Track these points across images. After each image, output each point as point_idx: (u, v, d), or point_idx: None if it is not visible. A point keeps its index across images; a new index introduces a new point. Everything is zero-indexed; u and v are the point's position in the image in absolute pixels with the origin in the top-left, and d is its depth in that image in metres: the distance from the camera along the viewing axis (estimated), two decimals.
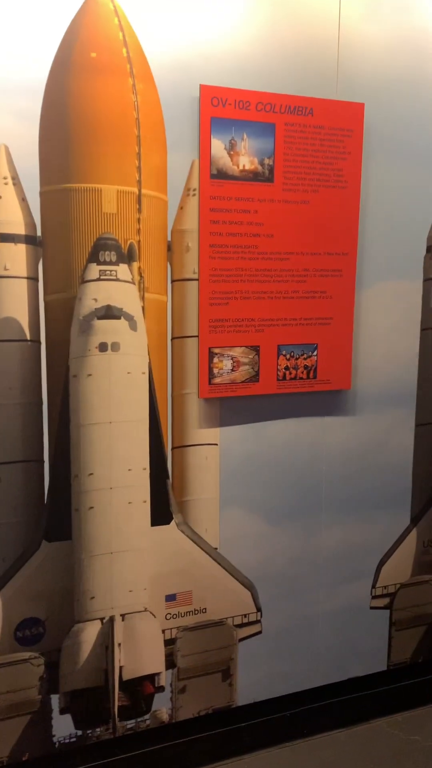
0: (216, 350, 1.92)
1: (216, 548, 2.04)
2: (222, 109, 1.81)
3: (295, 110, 1.89)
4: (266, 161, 1.88)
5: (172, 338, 1.90)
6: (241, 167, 1.86)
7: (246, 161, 1.86)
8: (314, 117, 1.91)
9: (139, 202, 1.78)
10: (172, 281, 1.87)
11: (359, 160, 1.98)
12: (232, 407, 1.99)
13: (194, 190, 1.83)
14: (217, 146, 1.82)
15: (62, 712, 1.93)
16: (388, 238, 2.09)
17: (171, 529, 1.96)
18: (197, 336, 1.90)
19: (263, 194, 1.89)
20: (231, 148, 1.84)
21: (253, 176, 1.87)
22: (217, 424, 1.99)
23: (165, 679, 2.03)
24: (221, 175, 1.84)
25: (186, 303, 1.89)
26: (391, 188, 2.06)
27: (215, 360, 1.93)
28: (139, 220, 1.79)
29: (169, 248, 1.85)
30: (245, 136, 1.85)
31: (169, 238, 1.85)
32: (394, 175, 2.06)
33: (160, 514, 1.94)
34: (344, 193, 1.99)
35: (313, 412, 2.11)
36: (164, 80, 1.76)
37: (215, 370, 1.93)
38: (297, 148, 1.91)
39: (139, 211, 1.79)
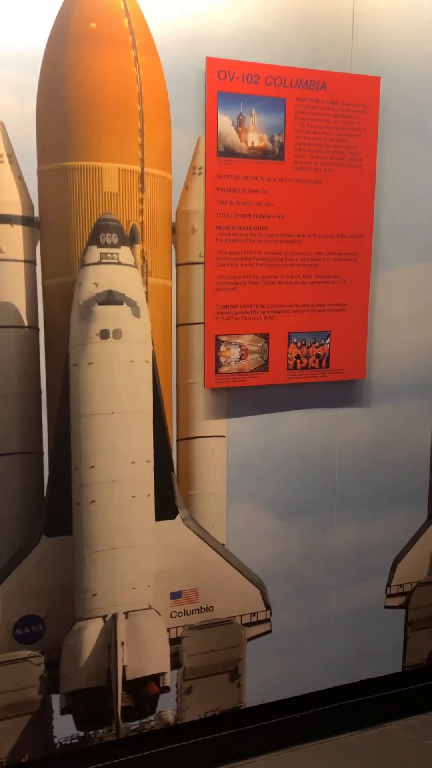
0: (223, 338, 1.84)
1: (223, 544, 1.96)
2: (229, 83, 1.71)
3: (307, 84, 1.78)
4: (276, 138, 1.78)
5: (177, 325, 1.82)
6: (249, 144, 1.76)
7: (255, 138, 1.76)
8: (327, 91, 1.81)
9: (141, 181, 1.70)
10: (177, 265, 1.79)
11: (375, 138, 1.88)
12: (240, 398, 1.91)
13: (200, 168, 1.74)
14: (225, 122, 1.73)
15: (63, 712, 1.86)
16: (406, 220, 1.99)
17: (176, 525, 1.88)
18: (203, 323, 1.81)
19: (273, 173, 1.80)
20: (239, 125, 1.74)
21: (263, 154, 1.78)
22: (225, 415, 1.90)
23: (170, 679, 1.95)
24: (229, 152, 1.74)
25: (191, 288, 1.80)
26: (409, 167, 1.96)
27: (222, 348, 1.84)
28: (141, 200, 1.71)
29: (174, 230, 1.76)
30: (254, 111, 1.75)
31: (173, 220, 1.76)
32: (412, 152, 1.95)
33: (165, 508, 1.86)
34: (359, 172, 1.89)
35: (325, 403, 2.02)
36: (168, 52, 1.67)
37: (222, 359, 1.85)
38: (309, 125, 1.81)
39: (142, 190, 1.70)
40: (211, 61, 1.69)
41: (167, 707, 1.97)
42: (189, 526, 1.90)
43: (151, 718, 1.96)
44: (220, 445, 1.92)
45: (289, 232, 1.85)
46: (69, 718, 1.87)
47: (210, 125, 1.71)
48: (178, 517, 1.88)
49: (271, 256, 1.84)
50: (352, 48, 1.84)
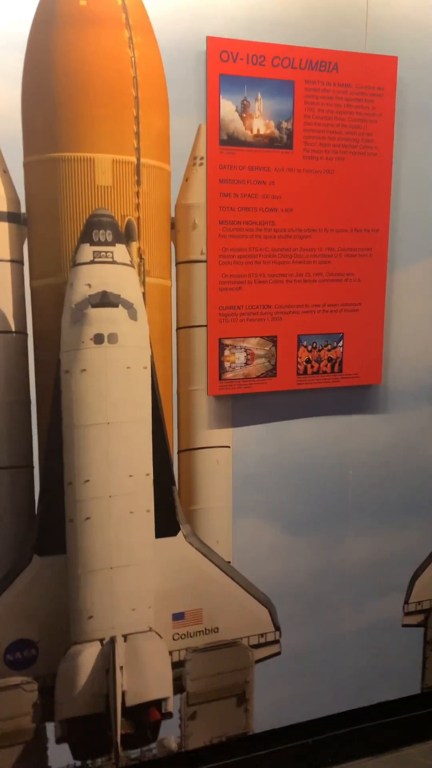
0: (227, 341, 1.70)
1: (229, 562, 1.83)
2: (232, 64, 1.57)
3: (317, 65, 1.64)
4: (284, 125, 1.64)
5: (178, 328, 1.69)
6: (255, 132, 1.62)
7: (261, 125, 1.63)
8: (339, 73, 1.66)
9: (137, 173, 1.57)
10: (177, 263, 1.65)
11: (391, 123, 1.73)
12: (247, 405, 1.77)
13: (201, 158, 1.61)
14: (228, 108, 1.59)
15: (59, 741, 1.75)
16: (425, 212, 1.84)
17: (178, 541, 1.76)
18: (206, 326, 1.68)
19: (281, 163, 1.66)
20: (243, 110, 1.60)
21: (269, 142, 1.64)
22: (230, 424, 1.77)
23: (173, 704, 1.83)
24: (232, 141, 1.61)
25: (193, 288, 1.67)
26: (429, 154, 1.81)
27: (226, 352, 1.71)
28: (138, 193, 1.58)
29: (173, 226, 1.63)
30: (259, 96, 1.61)
31: (172, 215, 1.63)
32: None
33: (166, 524, 1.74)
34: (374, 161, 1.74)
35: (338, 410, 1.88)
36: (166, 32, 1.53)
37: (227, 364, 1.71)
38: (319, 110, 1.66)
39: (138, 183, 1.57)
40: (212, 41, 1.55)
41: (170, 734, 1.85)
42: (192, 543, 1.77)
43: (153, 745, 1.84)
44: (225, 456, 1.79)
45: (298, 227, 1.71)
46: (65, 747, 1.76)
47: (211, 111, 1.58)
48: (180, 533, 1.76)
49: (279, 252, 1.70)
50: (366, 26, 1.69)
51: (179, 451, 1.74)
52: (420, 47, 1.74)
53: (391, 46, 1.71)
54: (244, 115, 1.61)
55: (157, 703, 1.82)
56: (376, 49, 1.70)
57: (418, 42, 1.73)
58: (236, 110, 1.60)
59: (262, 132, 1.63)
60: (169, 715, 1.83)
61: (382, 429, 1.93)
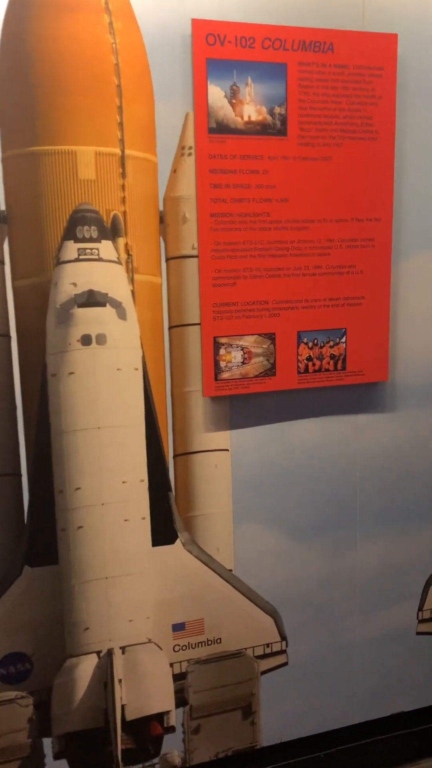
0: (222, 340, 1.62)
1: (230, 570, 1.75)
2: (220, 48, 1.49)
3: (311, 46, 1.55)
4: (277, 110, 1.56)
5: (170, 327, 1.61)
6: (246, 119, 1.54)
7: (252, 111, 1.54)
8: (335, 54, 1.57)
9: (122, 165, 1.49)
10: (167, 259, 1.58)
11: (393, 105, 1.64)
12: (245, 406, 1.70)
13: (190, 148, 1.53)
14: (216, 94, 1.51)
15: (57, 757, 1.69)
16: (431, 199, 1.74)
17: (176, 550, 1.69)
18: (199, 324, 1.61)
19: (275, 150, 1.57)
20: (233, 96, 1.52)
21: (262, 129, 1.55)
22: (228, 426, 1.70)
23: (175, 718, 1.76)
24: (222, 129, 1.53)
25: (185, 285, 1.60)
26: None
27: (222, 351, 1.63)
28: (123, 186, 1.50)
29: (162, 220, 1.56)
30: (250, 80, 1.53)
31: (161, 208, 1.55)
32: None
33: (163, 532, 1.67)
34: (375, 146, 1.65)
35: (343, 409, 1.79)
36: (148, 16, 1.46)
37: (222, 364, 1.64)
38: (315, 93, 1.57)
39: (123, 176, 1.50)
40: (197, 24, 1.47)
41: (173, 749, 1.79)
42: (190, 551, 1.70)
43: (156, 760, 1.78)
44: (224, 460, 1.71)
45: (295, 218, 1.62)
46: (63, 763, 1.70)
47: (199, 98, 1.50)
48: (178, 541, 1.69)
49: (275, 245, 1.62)
50: (363, 2, 1.60)
51: (175, 456, 1.67)
52: (422, 23, 1.64)
53: (390, 23, 1.61)
54: (234, 101, 1.52)
55: (159, 717, 1.75)
56: (374, 27, 1.60)
57: (419, 17, 1.63)
58: (225, 96, 1.51)
59: (253, 119, 1.55)
60: (172, 729, 1.76)
61: (391, 428, 1.84)
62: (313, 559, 1.84)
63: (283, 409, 1.74)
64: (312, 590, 1.85)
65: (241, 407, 1.69)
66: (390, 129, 1.65)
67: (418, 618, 1.97)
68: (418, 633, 1.98)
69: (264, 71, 1.53)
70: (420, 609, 1.96)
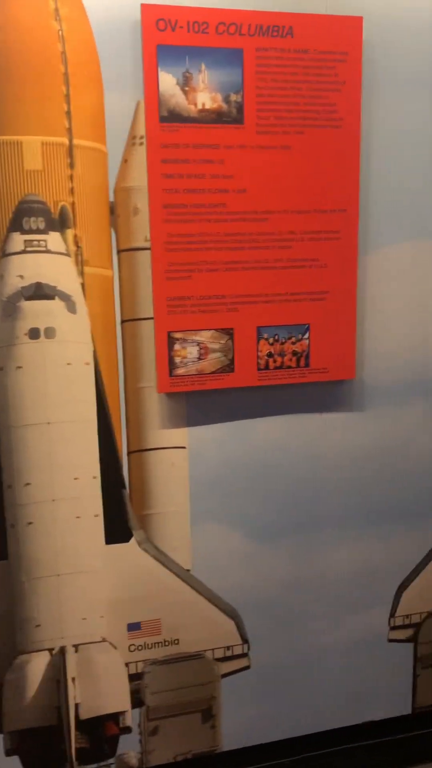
0: (177, 335, 1.58)
1: (188, 570, 1.71)
2: (171, 33, 1.45)
3: (269, 31, 1.49)
4: (233, 98, 1.51)
5: (122, 321, 1.58)
6: (200, 106, 1.49)
7: (206, 99, 1.49)
8: (295, 38, 1.51)
9: (70, 155, 1.46)
10: (118, 251, 1.54)
11: (358, 91, 1.57)
12: (203, 403, 1.65)
13: (141, 138, 1.49)
14: (167, 82, 1.46)
15: (8, 753, 1.68)
16: (400, 189, 1.67)
17: (131, 548, 1.65)
18: (152, 318, 1.57)
19: (231, 139, 1.52)
20: (186, 84, 1.48)
21: (217, 117, 1.51)
22: (185, 423, 1.66)
23: (131, 718, 1.74)
24: (174, 117, 1.48)
25: (137, 278, 1.56)
26: (402, 125, 1.63)
27: (177, 347, 1.59)
28: (71, 177, 1.47)
29: (113, 211, 1.52)
30: (204, 67, 1.48)
31: (111, 199, 1.52)
32: (405, 108, 1.62)
33: (117, 530, 1.64)
34: (339, 134, 1.59)
35: (308, 407, 1.74)
36: (96, 1, 1.42)
37: (177, 360, 1.59)
38: (273, 80, 1.52)
39: (72, 166, 1.47)
40: (146, 9, 1.42)
41: (130, 749, 1.76)
42: (146, 550, 1.67)
43: (111, 761, 1.75)
44: (181, 458, 1.67)
45: (253, 209, 1.57)
46: (15, 760, 1.69)
47: (149, 86, 1.46)
48: (133, 539, 1.65)
49: (232, 237, 1.57)
50: None
51: (129, 453, 1.63)
52: (387, 6, 1.56)
53: (354, 5, 1.54)
54: (187, 88, 1.48)
55: (114, 717, 1.72)
56: (337, 10, 1.54)
57: (385, 0, 1.56)
58: (177, 84, 1.47)
59: (208, 106, 1.50)
60: (128, 729, 1.74)
61: (360, 428, 1.77)
62: (278, 561, 1.79)
63: (244, 406, 1.69)
64: (277, 594, 1.80)
65: (199, 404, 1.65)
66: (355, 116, 1.58)
67: (389, 625, 1.90)
68: (390, 640, 1.91)
69: (219, 57, 1.48)
70: (391, 615, 1.90)
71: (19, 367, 1.51)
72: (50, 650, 1.64)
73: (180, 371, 1.60)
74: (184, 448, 1.67)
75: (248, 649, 1.80)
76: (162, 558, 1.68)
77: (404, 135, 1.64)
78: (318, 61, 1.53)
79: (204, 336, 1.60)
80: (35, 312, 1.49)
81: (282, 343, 1.66)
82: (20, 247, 1.46)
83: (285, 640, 1.84)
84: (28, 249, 1.46)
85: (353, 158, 1.60)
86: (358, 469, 1.79)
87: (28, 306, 1.48)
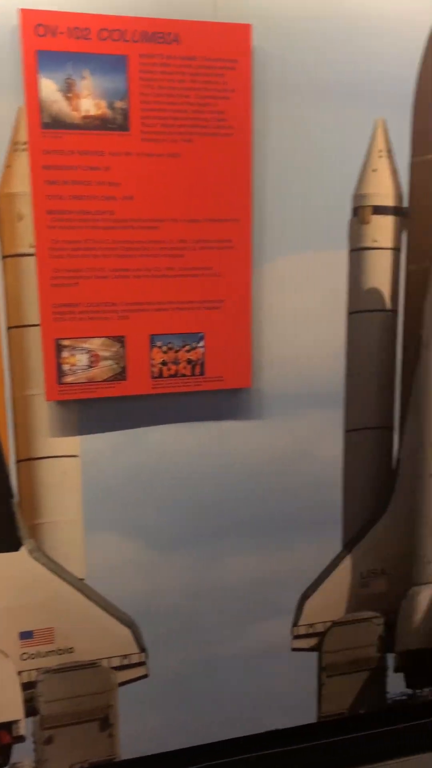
0: (65, 342, 1.57)
1: (82, 579, 1.70)
2: (52, 39, 1.43)
3: (154, 37, 1.48)
4: (118, 104, 1.49)
5: (8, 328, 1.56)
6: (83, 113, 1.48)
7: (90, 105, 1.48)
8: (181, 45, 1.50)
9: None
10: (3, 257, 1.53)
11: (248, 99, 1.56)
12: (95, 411, 1.64)
13: (24, 143, 1.48)
14: (49, 87, 1.45)
15: None
16: (294, 198, 1.66)
17: (21, 557, 1.64)
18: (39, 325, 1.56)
19: (116, 146, 1.51)
20: (68, 90, 1.46)
21: (102, 124, 1.49)
22: (76, 432, 1.64)
23: (25, 727, 1.72)
24: (57, 123, 1.47)
25: (23, 284, 1.55)
26: (295, 134, 1.63)
27: (65, 354, 1.58)
28: None
29: None
30: (87, 73, 1.47)
31: None
32: (298, 116, 1.62)
33: (6, 539, 1.62)
34: (230, 143, 1.58)
35: (205, 416, 1.73)
36: None
37: (66, 367, 1.58)
38: (159, 87, 1.51)
39: None
40: (25, 14, 1.41)
41: (24, 758, 1.75)
42: (37, 559, 1.66)
43: None
44: (73, 466, 1.66)
45: (142, 217, 1.56)
46: None
47: (29, 92, 1.44)
48: (23, 548, 1.64)
49: (121, 245, 1.56)
50: None
51: (18, 461, 1.62)
52: (277, 13, 1.56)
53: (243, 12, 1.53)
54: (70, 94, 1.46)
55: (7, 726, 1.71)
56: (225, 17, 1.53)
57: (273, 8, 1.55)
58: (59, 90, 1.46)
59: (92, 113, 1.48)
60: (21, 738, 1.73)
61: (257, 437, 1.77)
62: (177, 570, 1.78)
63: (138, 414, 1.68)
64: (176, 603, 1.80)
65: (91, 412, 1.64)
66: (245, 124, 1.57)
67: (292, 634, 1.90)
68: (294, 649, 1.91)
69: (102, 64, 1.47)
70: (294, 624, 1.89)
71: None
72: None
73: (69, 379, 1.59)
74: (76, 456, 1.66)
75: (146, 657, 1.79)
76: (53, 567, 1.67)
77: (298, 144, 1.63)
78: (206, 68, 1.52)
79: (94, 343, 1.59)
80: None
81: (176, 351, 1.65)
82: None
83: (186, 649, 1.83)
84: None
85: (245, 167, 1.60)
86: (257, 478, 1.78)
87: None
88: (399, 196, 1.73)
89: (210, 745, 1.90)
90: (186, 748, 1.88)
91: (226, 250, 1.63)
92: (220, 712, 1.89)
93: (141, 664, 1.79)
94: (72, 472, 1.66)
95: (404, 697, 2.00)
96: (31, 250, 1.52)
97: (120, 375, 1.62)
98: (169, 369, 1.65)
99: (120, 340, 1.61)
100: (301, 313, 1.73)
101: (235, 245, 1.63)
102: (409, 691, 2.00)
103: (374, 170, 1.69)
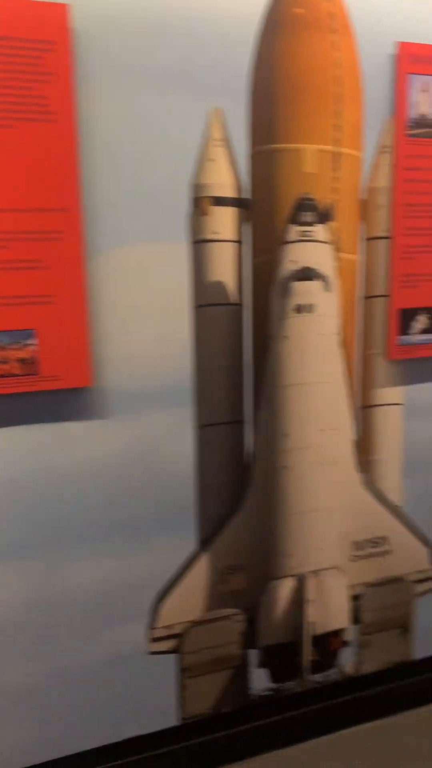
0: None
1: None
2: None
3: None
4: None
5: None
6: None
7: None
8: None
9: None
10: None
11: (69, 83, 1.48)
12: None
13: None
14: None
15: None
16: (129, 188, 1.59)
17: None
18: None
19: None
20: None
21: None
22: None
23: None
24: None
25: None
26: (128, 121, 1.56)
27: None
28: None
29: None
30: None
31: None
32: (132, 103, 1.55)
33: None
34: (53, 129, 1.49)
35: (43, 417, 1.64)
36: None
37: None
38: None
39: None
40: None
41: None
42: None
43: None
44: None
45: None
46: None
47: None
48: None
49: None
50: None
51: None
52: None
53: None
54: None
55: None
56: None
57: None
58: None
59: None
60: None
61: (103, 437, 1.70)
62: (15, 580, 1.68)
63: None
64: (17, 613, 1.70)
65: None
66: (68, 110, 1.49)
67: (149, 637, 1.84)
68: (152, 653, 1.86)
69: None
70: (151, 627, 1.84)
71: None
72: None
73: None
74: None
75: None
76: None
77: (131, 132, 1.57)
78: (20, 49, 1.43)
79: None
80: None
81: (5, 350, 1.56)
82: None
83: (36, 661, 1.75)
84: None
85: (70, 154, 1.52)
86: (104, 480, 1.72)
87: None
88: (238, 187, 1.70)
89: (69, 758, 1.82)
90: (46, 762, 1.80)
91: (55, 242, 1.55)
92: (76, 724, 1.82)
93: None
94: None
95: (269, 692, 1.99)
96: None
97: None
98: None
99: None
100: (144, 308, 1.68)
101: (65, 236, 1.55)
102: (274, 685, 1.99)
103: (211, 160, 1.65)
